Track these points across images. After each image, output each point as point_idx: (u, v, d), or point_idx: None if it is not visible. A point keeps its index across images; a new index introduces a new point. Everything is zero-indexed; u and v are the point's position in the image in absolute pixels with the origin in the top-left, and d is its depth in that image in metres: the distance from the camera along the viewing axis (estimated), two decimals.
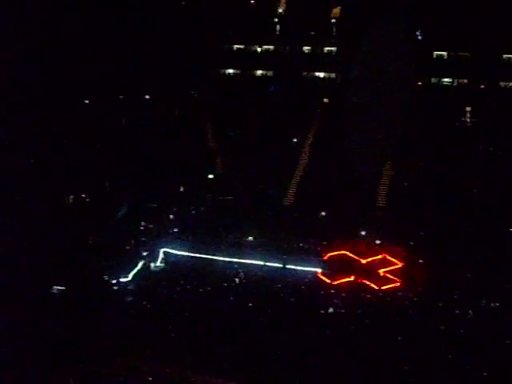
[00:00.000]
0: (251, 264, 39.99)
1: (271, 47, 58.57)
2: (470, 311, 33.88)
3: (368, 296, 36.27)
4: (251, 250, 41.65)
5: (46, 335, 30.88)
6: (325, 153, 50.63)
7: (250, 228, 44.30)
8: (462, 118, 50.83)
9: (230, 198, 47.62)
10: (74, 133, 50.23)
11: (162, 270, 40.04)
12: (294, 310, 34.42)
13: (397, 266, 39.33)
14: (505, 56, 51.99)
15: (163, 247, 41.32)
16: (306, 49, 57.66)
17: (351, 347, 31.03)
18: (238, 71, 59.16)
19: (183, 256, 41.09)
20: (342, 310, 34.50)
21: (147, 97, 56.08)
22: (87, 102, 54.68)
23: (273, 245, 42.72)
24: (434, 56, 54.23)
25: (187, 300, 35.47)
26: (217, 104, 55.23)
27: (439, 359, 30.18)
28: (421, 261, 39.71)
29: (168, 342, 31.59)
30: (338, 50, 56.48)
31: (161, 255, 41.01)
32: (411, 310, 34.65)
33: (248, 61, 58.65)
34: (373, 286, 37.44)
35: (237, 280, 38.10)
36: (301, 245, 42.57)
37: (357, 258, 40.38)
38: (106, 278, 37.86)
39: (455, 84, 53.86)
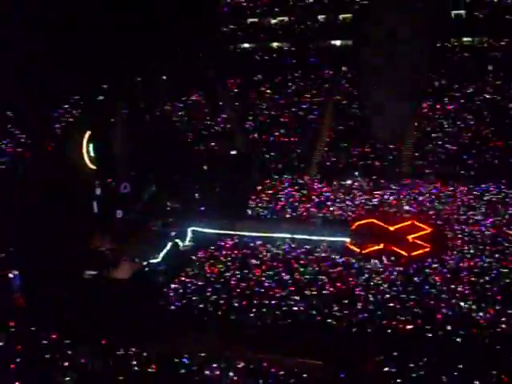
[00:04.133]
0: (279, 238, 40.07)
1: (285, 18, 58.22)
2: None
3: (398, 263, 36.15)
4: (279, 224, 41.78)
5: (80, 319, 31.20)
6: (346, 121, 50.45)
7: (276, 200, 44.49)
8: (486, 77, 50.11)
9: (254, 172, 47.78)
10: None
11: (191, 249, 40.34)
12: (325, 280, 34.42)
13: (426, 232, 39.18)
14: None
15: (191, 226, 41.61)
16: (321, 17, 57.26)
17: (384, 315, 31.04)
18: (254, 45, 58.93)
19: (211, 233, 41.36)
20: (373, 278, 34.37)
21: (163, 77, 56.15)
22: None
23: (300, 217, 42.99)
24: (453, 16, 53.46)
25: (219, 278, 35.63)
26: (235, 78, 55.30)
27: (472, 324, 30.01)
28: (449, 225, 39.58)
29: (202, 321, 31.89)
30: (353, 17, 55.83)
31: (189, 234, 41.35)
32: (441, 275, 34.39)
33: (263, 33, 58.39)
34: (402, 252, 37.34)
35: (266, 254, 38.24)
36: (328, 215, 42.63)
37: (385, 225, 40.29)
38: (136, 260, 38.25)
39: (475, 43, 53.11)
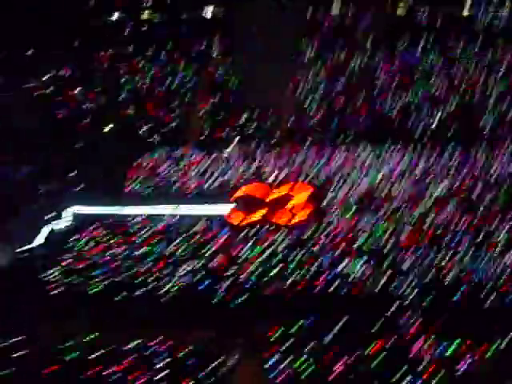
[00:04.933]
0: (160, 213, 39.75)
1: None
2: None
3: (278, 232, 36.68)
4: (159, 199, 41.47)
5: None
6: (221, 91, 50.41)
7: (155, 175, 44.07)
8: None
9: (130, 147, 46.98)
10: None
11: (70, 231, 39.22)
12: (208, 253, 34.63)
13: (303, 201, 39.83)
14: None
15: (68, 207, 40.45)
16: None
17: (270, 280, 31.67)
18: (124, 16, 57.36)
19: (90, 214, 40.44)
20: (255, 249, 34.86)
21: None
22: None
23: (179, 191, 42.80)
24: None
25: (100, 258, 35.04)
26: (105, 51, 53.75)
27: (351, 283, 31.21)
28: (328, 189, 40.50)
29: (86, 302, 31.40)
30: None
31: (67, 215, 40.13)
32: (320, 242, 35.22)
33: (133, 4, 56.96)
34: (280, 222, 37.76)
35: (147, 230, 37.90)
36: (205, 188, 42.65)
37: (262, 194, 40.63)
38: (10, 246, 36.87)
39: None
